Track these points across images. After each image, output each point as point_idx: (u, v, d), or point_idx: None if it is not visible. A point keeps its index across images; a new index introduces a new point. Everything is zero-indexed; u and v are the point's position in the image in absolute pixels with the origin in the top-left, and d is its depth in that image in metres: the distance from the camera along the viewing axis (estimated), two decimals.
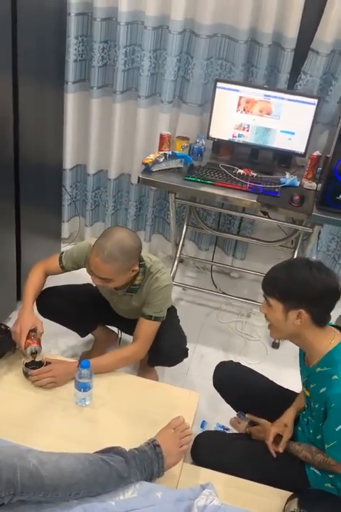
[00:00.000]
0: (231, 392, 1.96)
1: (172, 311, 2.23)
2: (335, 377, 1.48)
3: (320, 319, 1.54)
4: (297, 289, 1.51)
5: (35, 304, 2.00)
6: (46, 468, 1.31)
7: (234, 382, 1.94)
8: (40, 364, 1.81)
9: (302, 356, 1.69)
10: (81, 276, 2.14)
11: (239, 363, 2.05)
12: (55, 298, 2.12)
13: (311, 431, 1.67)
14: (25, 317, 1.86)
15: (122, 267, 1.82)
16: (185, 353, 2.15)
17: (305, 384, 1.66)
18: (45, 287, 2.09)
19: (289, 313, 1.52)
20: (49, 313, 2.12)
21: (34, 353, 1.80)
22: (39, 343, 1.83)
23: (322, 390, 1.52)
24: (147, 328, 1.98)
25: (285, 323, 1.54)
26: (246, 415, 1.92)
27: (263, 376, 2.01)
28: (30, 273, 2.02)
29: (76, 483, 1.34)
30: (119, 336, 2.42)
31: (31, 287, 1.97)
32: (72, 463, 1.36)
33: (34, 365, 1.81)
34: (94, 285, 2.01)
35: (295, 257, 2.88)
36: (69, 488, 1.33)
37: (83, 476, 1.35)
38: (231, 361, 2.04)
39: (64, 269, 2.05)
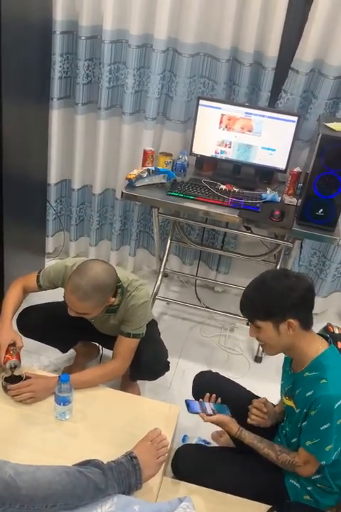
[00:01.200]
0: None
1: (153, 324, 2.24)
2: (324, 380, 1.52)
3: (307, 322, 1.59)
4: (278, 303, 1.55)
5: (15, 321, 2.01)
6: (23, 479, 1.31)
7: (213, 390, 1.93)
8: (19, 379, 1.80)
9: (289, 363, 1.71)
10: (62, 293, 2.15)
11: (218, 373, 2.06)
12: (34, 316, 2.13)
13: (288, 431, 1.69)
14: (4, 332, 1.86)
15: (97, 303, 1.84)
16: (166, 367, 2.16)
17: (289, 392, 1.68)
18: (27, 305, 2.09)
19: (280, 327, 1.55)
20: (29, 332, 2.12)
21: (13, 368, 1.80)
22: (18, 357, 1.83)
23: (309, 393, 1.55)
24: (126, 346, 1.99)
25: (279, 337, 1.57)
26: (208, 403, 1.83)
27: (241, 386, 2.03)
28: (9, 289, 2.03)
29: (53, 495, 1.34)
30: (101, 351, 2.42)
31: (10, 302, 1.97)
32: (49, 474, 1.36)
33: (13, 379, 1.80)
34: None
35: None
36: (45, 499, 1.32)
37: (60, 487, 1.35)
38: (209, 371, 2.06)
39: (40, 288, 2.05)
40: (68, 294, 1.81)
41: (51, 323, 2.10)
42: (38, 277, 2.04)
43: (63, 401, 1.74)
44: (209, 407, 1.79)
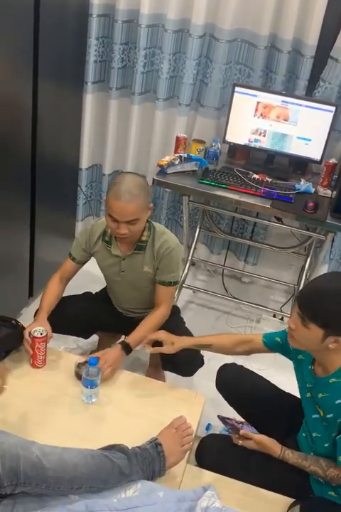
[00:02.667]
0: (234, 394, 1.94)
1: (176, 313, 2.25)
2: None
3: None
4: None
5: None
6: (49, 459, 1.33)
7: (237, 385, 1.92)
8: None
9: (310, 361, 1.65)
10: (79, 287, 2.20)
11: (242, 366, 2.02)
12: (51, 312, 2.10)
13: (315, 434, 1.66)
14: (35, 324, 1.89)
15: (143, 202, 1.85)
16: (201, 362, 2.12)
17: (310, 390, 1.65)
18: (38, 302, 2.10)
19: (327, 339, 1.46)
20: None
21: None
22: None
23: (340, 400, 1.50)
24: (167, 293, 2.03)
25: (318, 344, 1.48)
26: (241, 432, 1.68)
27: (266, 379, 1.99)
28: (47, 284, 2.05)
29: (78, 477, 1.35)
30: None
31: (44, 296, 2.01)
32: (74, 456, 1.38)
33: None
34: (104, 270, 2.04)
35: (307, 265, 2.87)
36: (71, 481, 1.34)
37: (85, 471, 1.37)
38: (233, 363, 2.02)
39: (76, 261, 2.07)
40: (115, 204, 1.80)
41: (62, 317, 2.04)
42: (69, 255, 2.08)
43: (90, 384, 1.75)
44: (239, 425, 1.73)
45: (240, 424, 1.75)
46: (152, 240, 1.99)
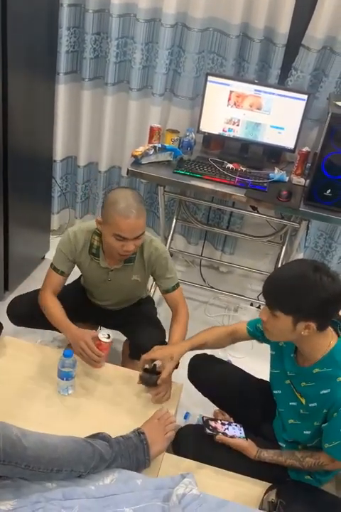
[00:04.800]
0: (206, 385, 1.95)
1: (149, 302, 2.26)
2: (340, 379, 1.48)
3: (325, 325, 1.50)
4: (308, 304, 1.43)
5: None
6: (29, 439, 1.33)
7: (208, 375, 1.92)
8: (154, 370, 1.81)
9: (293, 350, 1.65)
10: None
11: (213, 356, 2.01)
12: (21, 306, 2.11)
13: (291, 421, 1.68)
14: (79, 332, 1.84)
15: (145, 216, 1.86)
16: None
17: (291, 378, 1.66)
18: (13, 296, 2.12)
19: (298, 325, 1.47)
20: (19, 321, 2.12)
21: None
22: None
23: (325, 391, 1.51)
24: (179, 296, 2.06)
25: (290, 333, 1.49)
26: (216, 438, 1.72)
27: (237, 367, 2.01)
28: (45, 305, 1.97)
29: (58, 459, 1.36)
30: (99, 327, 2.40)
31: (57, 312, 1.94)
32: (55, 439, 1.39)
33: (150, 370, 1.81)
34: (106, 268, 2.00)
35: (282, 253, 2.90)
36: (51, 462, 1.34)
37: (66, 453, 1.37)
38: (204, 354, 2.00)
39: (64, 275, 2.01)
40: (124, 223, 1.78)
41: (39, 310, 2.02)
42: (55, 269, 2.00)
43: (66, 376, 1.74)
44: (222, 428, 1.76)
45: (226, 424, 1.77)
46: (141, 250, 1.97)
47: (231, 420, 1.87)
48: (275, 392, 1.75)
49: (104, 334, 1.82)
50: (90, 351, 1.79)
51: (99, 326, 2.35)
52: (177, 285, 2.06)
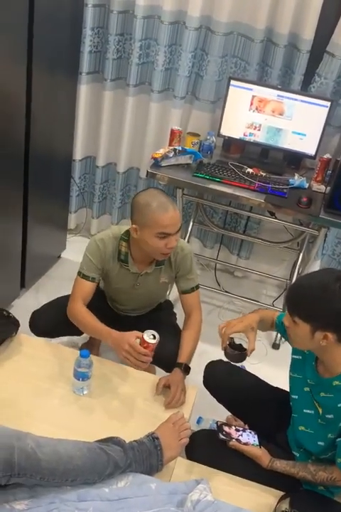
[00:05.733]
0: (222, 392, 1.93)
1: (168, 307, 2.25)
2: None
3: None
4: (327, 313, 1.43)
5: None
6: (44, 451, 1.32)
7: (224, 382, 1.91)
8: (240, 347, 1.80)
9: (314, 358, 1.63)
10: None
11: (228, 362, 1.96)
12: (45, 319, 2.07)
13: (302, 428, 1.66)
14: (120, 336, 1.75)
15: None
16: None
17: (311, 387, 1.64)
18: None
19: (316, 334, 1.46)
20: (43, 334, 2.08)
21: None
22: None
23: None
24: (194, 299, 2.04)
25: (309, 341, 1.49)
26: (229, 444, 1.70)
27: (253, 376, 1.99)
28: (76, 316, 1.91)
29: (73, 470, 1.35)
30: None
31: (92, 321, 1.87)
32: (70, 449, 1.37)
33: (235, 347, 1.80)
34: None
35: (299, 260, 2.87)
36: (65, 473, 1.34)
37: (80, 463, 1.36)
38: (220, 360, 1.98)
39: (95, 281, 1.95)
40: (166, 217, 1.78)
41: (63, 320, 1.98)
42: (85, 277, 1.93)
43: (82, 376, 1.74)
44: (236, 434, 1.74)
45: (241, 431, 1.76)
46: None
47: (245, 426, 1.86)
48: (292, 396, 1.74)
49: (148, 335, 1.72)
50: (136, 353, 1.67)
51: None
52: (197, 287, 2.05)
